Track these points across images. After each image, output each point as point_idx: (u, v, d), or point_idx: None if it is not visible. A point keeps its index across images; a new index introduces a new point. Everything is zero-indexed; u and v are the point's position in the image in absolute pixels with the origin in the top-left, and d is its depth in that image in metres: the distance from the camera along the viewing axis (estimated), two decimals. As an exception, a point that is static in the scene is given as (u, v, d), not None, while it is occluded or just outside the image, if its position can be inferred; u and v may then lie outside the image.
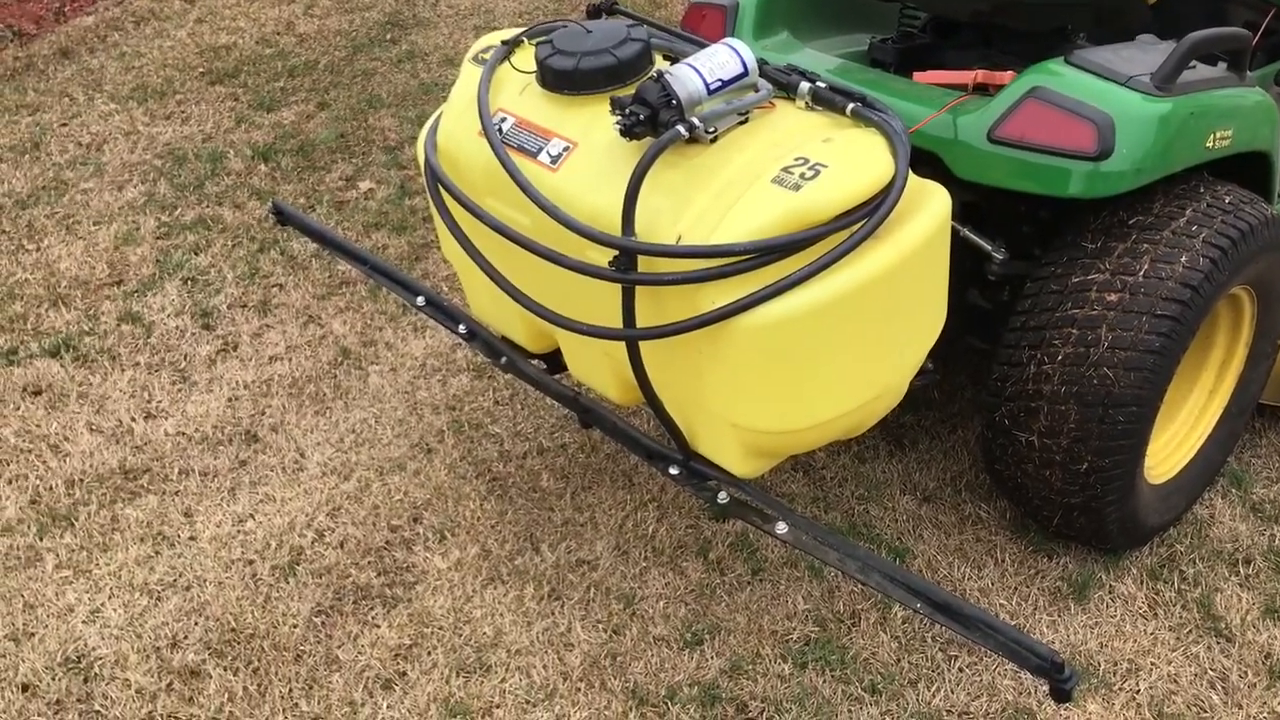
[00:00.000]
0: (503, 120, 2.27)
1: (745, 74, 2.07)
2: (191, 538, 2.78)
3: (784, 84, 2.15)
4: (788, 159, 1.97)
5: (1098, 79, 2.34)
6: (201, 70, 5.43)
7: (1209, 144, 2.41)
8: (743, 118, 2.09)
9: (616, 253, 1.95)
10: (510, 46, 2.39)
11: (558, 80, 2.19)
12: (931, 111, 2.47)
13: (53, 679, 2.43)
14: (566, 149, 2.15)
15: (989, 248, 2.57)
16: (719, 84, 2.04)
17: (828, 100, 2.11)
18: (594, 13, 2.56)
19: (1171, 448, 2.75)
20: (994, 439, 2.54)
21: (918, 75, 2.63)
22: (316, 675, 2.44)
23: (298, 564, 2.69)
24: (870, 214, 1.92)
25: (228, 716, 2.36)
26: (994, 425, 2.52)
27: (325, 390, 3.28)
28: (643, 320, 2.02)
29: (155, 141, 4.78)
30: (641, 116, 1.98)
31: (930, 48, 2.85)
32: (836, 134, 2.04)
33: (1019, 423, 2.45)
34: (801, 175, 1.93)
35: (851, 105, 2.08)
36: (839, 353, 1.99)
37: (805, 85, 2.13)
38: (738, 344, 1.94)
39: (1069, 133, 2.29)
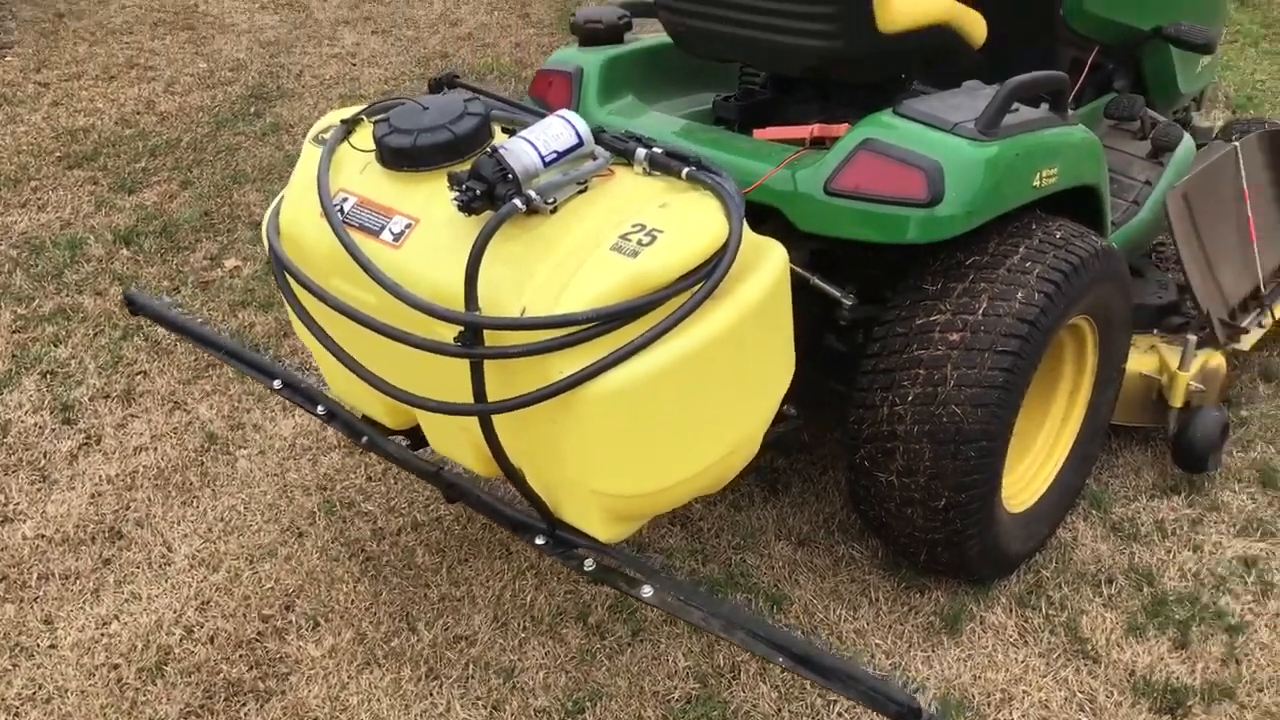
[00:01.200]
0: (344, 200, 2.26)
1: (580, 144, 2.10)
2: (52, 646, 2.67)
3: (621, 150, 2.19)
4: (625, 226, 2.00)
5: (925, 128, 2.42)
6: (58, 154, 5.31)
7: (1036, 183, 2.51)
8: (581, 186, 2.12)
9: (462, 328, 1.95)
10: (349, 126, 2.39)
11: (396, 158, 2.20)
12: (771, 167, 2.53)
13: (-96, 809, 2.31)
14: (408, 226, 2.15)
15: (838, 294, 2.64)
16: (554, 155, 2.07)
17: (664, 165, 2.15)
18: (435, 86, 2.57)
19: (1029, 476, 2.83)
20: (856, 480, 2.59)
21: (757, 132, 2.69)
22: (188, 779, 2.37)
23: (165, 664, 2.61)
24: (707, 275, 1.96)
25: (95, 831, 2.27)
26: (855, 467, 2.57)
27: (192, 479, 3.20)
28: (495, 393, 2.01)
29: (10, 231, 4.64)
30: (478, 192, 2.00)
31: (772, 103, 2.93)
32: (673, 199, 2.08)
33: (877, 463, 2.51)
34: (639, 242, 1.96)
35: (686, 169, 2.12)
36: (688, 413, 2.02)
37: (641, 151, 2.17)
38: (588, 412, 1.95)
39: (900, 181, 2.37)
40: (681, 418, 2.01)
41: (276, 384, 2.64)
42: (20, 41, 6.68)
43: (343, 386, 2.55)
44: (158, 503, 3.11)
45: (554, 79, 2.92)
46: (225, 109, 5.79)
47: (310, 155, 2.38)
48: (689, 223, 2.01)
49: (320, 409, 2.58)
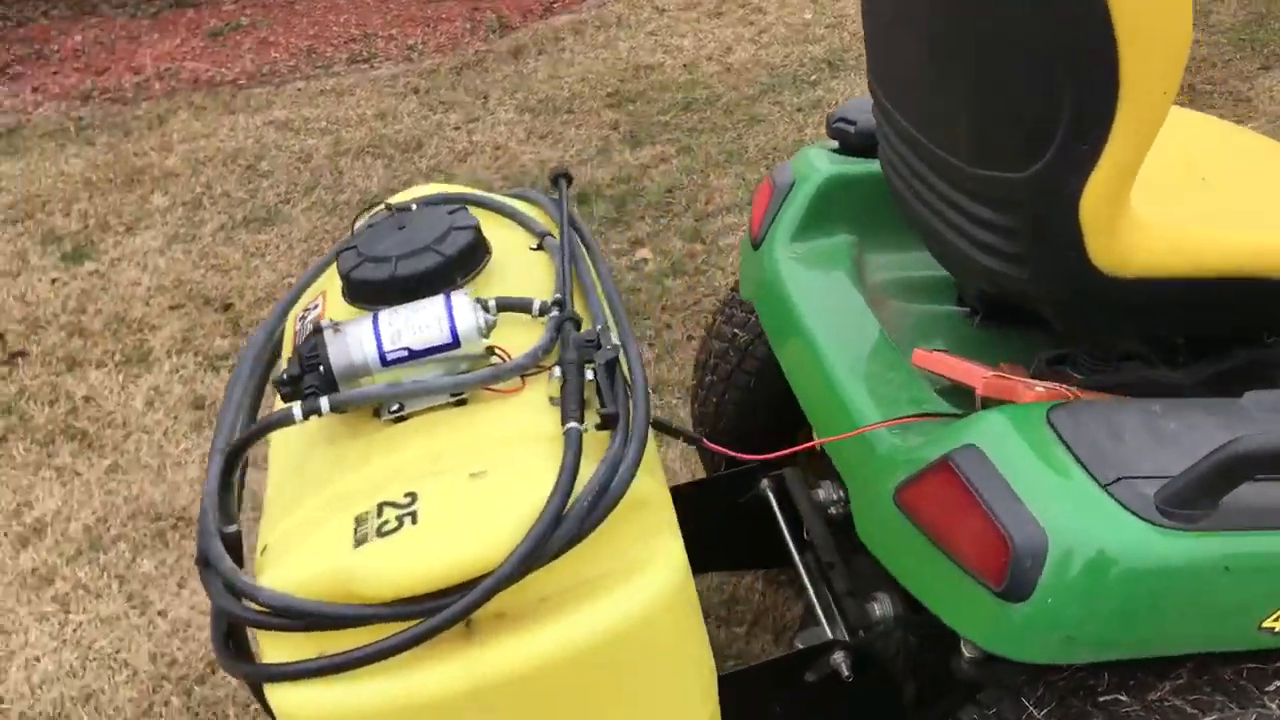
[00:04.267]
0: (314, 307, 1.90)
1: (452, 345, 1.52)
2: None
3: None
4: (400, 492, 1.41)
5: (1068, 458, 1.40)
6: (608, 91, 5.38)
7: (1270, 623, 1.35)
8: (458, 398, 1.54)
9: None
10: (391, 212, 1.98)
11: (345, 285, 1.78)
12: (876, 420, 1.65)
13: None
14: (310, 368, 1.75)
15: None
16: (402, 354, 1.51)
17: (563, 402, 1.49)
18: (555, 180, 2.06)
19: None
20: None
21: (918, 356, 1.77)
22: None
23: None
24: (432, 612, 1.31)
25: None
26: None
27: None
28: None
29: (512, 161, 4.82)
30: (286, 377, 1.54)
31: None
32: (505, 465, 1.42)
33: None
34: (381, 526, 1.37)
35: (571, 424, 1.44)
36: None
37: (557, 371, 1.52)
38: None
39: (972, 536, 1.40)
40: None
41: None
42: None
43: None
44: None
45: (768, 186, 2.18)
46: (788, 72, 5.43)
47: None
48: (466, 519, 1.35)
49: None
